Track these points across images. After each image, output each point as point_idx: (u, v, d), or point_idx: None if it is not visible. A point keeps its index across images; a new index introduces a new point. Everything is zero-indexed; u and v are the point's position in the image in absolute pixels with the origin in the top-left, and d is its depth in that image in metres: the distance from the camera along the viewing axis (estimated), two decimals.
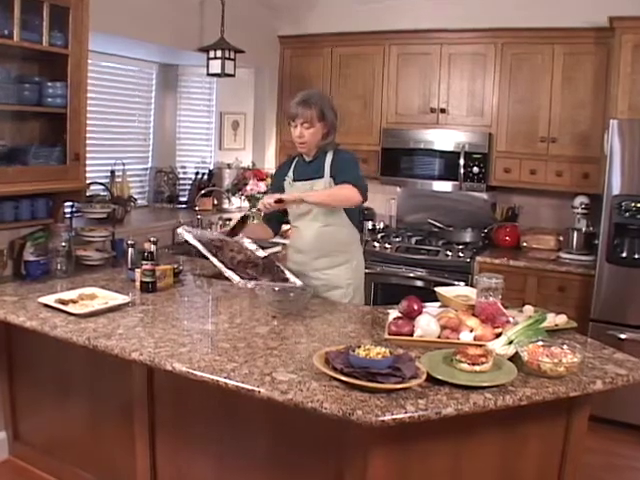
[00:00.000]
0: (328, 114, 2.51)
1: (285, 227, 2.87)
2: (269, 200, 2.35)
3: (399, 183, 4.23)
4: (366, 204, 4.43)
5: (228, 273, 2.20)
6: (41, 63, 2.67)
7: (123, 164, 3.92)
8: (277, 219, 2.75)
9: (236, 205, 4.32)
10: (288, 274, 2.41)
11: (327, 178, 2.53)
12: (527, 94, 3.72)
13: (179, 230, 2.42)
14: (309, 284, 2.48)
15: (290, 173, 2.65)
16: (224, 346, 1.86)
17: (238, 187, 4.36)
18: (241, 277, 2.21)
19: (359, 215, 2.72)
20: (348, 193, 2.39)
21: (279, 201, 2.36)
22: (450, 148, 3.89)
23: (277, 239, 4.02)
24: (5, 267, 2.62)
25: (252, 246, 2.47)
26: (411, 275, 3.78)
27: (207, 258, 2.33)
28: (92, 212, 3.18)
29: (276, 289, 2.25)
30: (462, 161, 3.83)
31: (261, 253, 2.40)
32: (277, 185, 2.74)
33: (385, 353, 1.62)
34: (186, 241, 2.42)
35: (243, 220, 2.47)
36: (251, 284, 2.18)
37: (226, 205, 4.29)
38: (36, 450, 2.55)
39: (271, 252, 2.89)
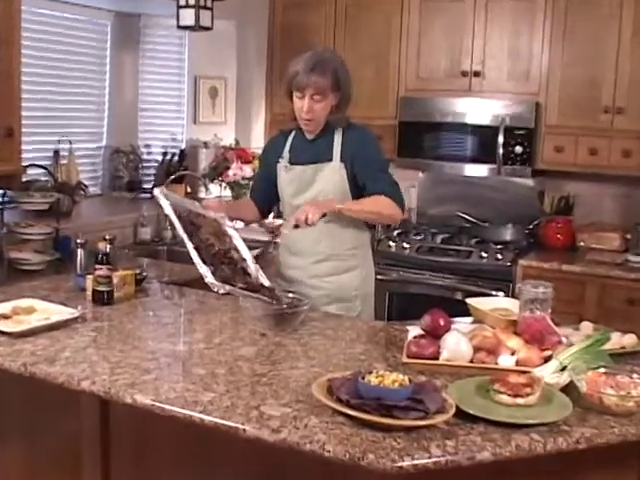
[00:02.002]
0: (344, 82, 2.53)
1: (277, 221, 2.87)
2: (315, 217, 2.33)
3: (421, 166, 4.23)
4: None
5: (202, 269, 2.20)
6: None
7: (70, 142, 3.92)
8: (269, 198, 2.75)
9: (215, 194, 4.33)
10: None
11: (337, 162, 2.54)
12: (587, 52, 3.72)
13: (155, 191, 2.42)
14: (307, 294, 2.48)
15: (285, 153, 2.65)
16: (199, 372, 1.86)
17: (218, 171, 4.36)
18: (219, 276, 2.21)
19: None
20: (393, 214, 2.48)
21: (324, 215, 2.39)
22: (486, 122, 3.89)
23: (265, 236, 4.02)
24: None
25: (240, 244, 2.47)
26: (436, 283, 3.78)
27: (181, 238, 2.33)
28: (30, 203, 3.18)
29: (264, 299, 2.25)
30: (501, 138, 3.83)
31: (251, 266, 2.40)
32: (267, 169, 2.74)
33: (403, 381, 1.62)
34: (160, 207, 2.40)
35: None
36: (225, 289, 2.17)
37: (202, 194, 4.30)
38: None
39: (257, 253, 2.89)
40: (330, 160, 2.55)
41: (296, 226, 2.37)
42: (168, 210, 2.37)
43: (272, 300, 2.24)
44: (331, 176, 2.55)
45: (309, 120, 2.52)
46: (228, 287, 2.20)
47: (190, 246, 2.27)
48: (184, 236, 2.31)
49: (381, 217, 2.57)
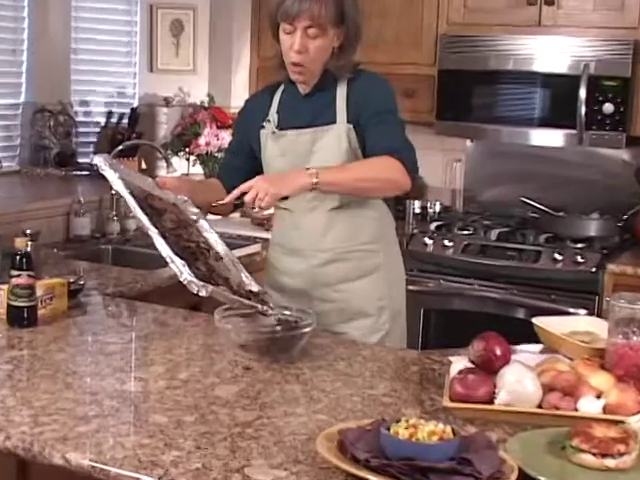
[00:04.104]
0: (351, 13, 2.53)
1: (267, 210, 2.87)
2: (268, 199, 2.30)
3: (470, 133, 4.22)
4: None
5: (175, 264, 2.19)
6: None
7: None
8: (246, 180, 2.76)
9: (181, 171, 4.33)
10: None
11: (343, 124, 2.56)
12: None
13: (96, 159, 2.40)
14: (310, 309, 2.47)
15: (272, 115, 2.66)
16: (159, 421, 1.87)
17: (184, 139, 4.35)
18: (195, 274, 2.21)
19: None
20: (394, 179, 2.46)
21: (285, 198, 2.39)
22: (562, 70, 3.88)
23: (251, 230, 4.02)
24: None
25: (212, 237, 2.46)
26: (490, 295, 3.79)
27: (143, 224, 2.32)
28: None
29: (259, 308, 2.27)
30: (584, 93, 3.82)
31: (230, 267, 2.41)
32: (245, 137, 2.75)
33: (444, 433, 1.62)
34: (107, 182, 2.41)
35: None
36: (208, 291, 2.17)
37: (162, 171, 4.30)
38: None
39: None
40: (333, 122, 2.56)
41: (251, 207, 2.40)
42: (118, 185, 2.36)
43: (267, 310, 2.25)
44: (336, 143, 2.56)
45: (301, 65, 2.51)
46: (212, 288, 2.20)
47: (154, 232, 2.26)
48: (143, 218, 2.29)
49: (377, 185, 2.51)
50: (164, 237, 2.28)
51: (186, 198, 2.50)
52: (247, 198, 2.33)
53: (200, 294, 2.18)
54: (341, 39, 2.53)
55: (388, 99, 2.59)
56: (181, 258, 2.23)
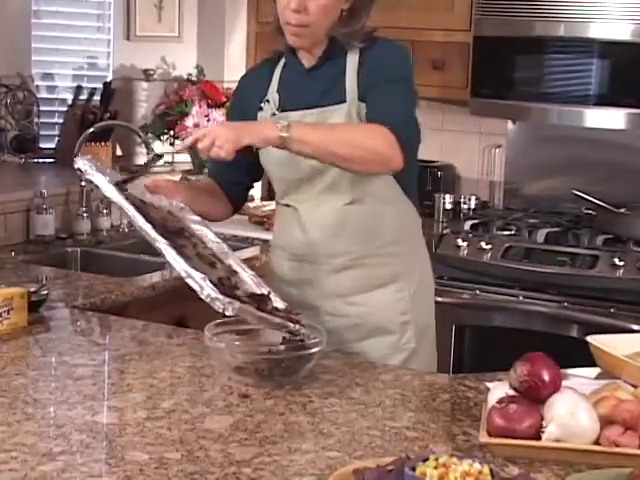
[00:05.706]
0: None
1: (266, 205, 2.88)
2: (226, 148, 2.30)
3: (511, 113, 4.22)
4: (445, 158, 4.41)
5: (195, 279, 2.18)
6: None
7: None
8: (244, 176, 2.78)
9: (165, 160, 4.32)
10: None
11: (353, 103, 2.57)
12: None
13: (78, 163, 2.41)
14: (321, 326, 2.48)
15: (272, 94, 2.68)
16: (138, 459, 1.87)
17: (168, 120, 4.36)
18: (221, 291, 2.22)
19: (417, 181, 2.76)
20: (381, 151, 2.42)
21: (245, 150, 2.36)
22: (624, 36, 3.87)
23: (248, 229, 4.02)
24: None
25: (218, 248, 2.48)
26: (535, 309, 3.79)
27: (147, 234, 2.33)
28: None
29: (247, 335, 2.28)
30: None
31: (247, 279, 2.42)
32: (239, 116, 2.74)
33: (481, 474, 1.62)
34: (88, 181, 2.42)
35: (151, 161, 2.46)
36: (235, 308, 2.17)
37: (141, 158, 4.31)
38: None
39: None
40: (342, 100, 2.57)
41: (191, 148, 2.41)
42: (110, 191, 2.36)
43: (299, 330, 2.27)
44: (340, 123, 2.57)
45: (300, 26, 2.51)
46: (239, 305, 2.20)
47: (163, 242, 2.27)
48: (148, 228, 2.29)
49: (359, 154, 2.44)
50: (174, 248, 2.29)
51: (183, 205, 2.51)
52: (201, 145, 2.32)
53: (226, 313, 2.19)
54: (351, 0, 2.54)
55: (401, 66, 2.60)
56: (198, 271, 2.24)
